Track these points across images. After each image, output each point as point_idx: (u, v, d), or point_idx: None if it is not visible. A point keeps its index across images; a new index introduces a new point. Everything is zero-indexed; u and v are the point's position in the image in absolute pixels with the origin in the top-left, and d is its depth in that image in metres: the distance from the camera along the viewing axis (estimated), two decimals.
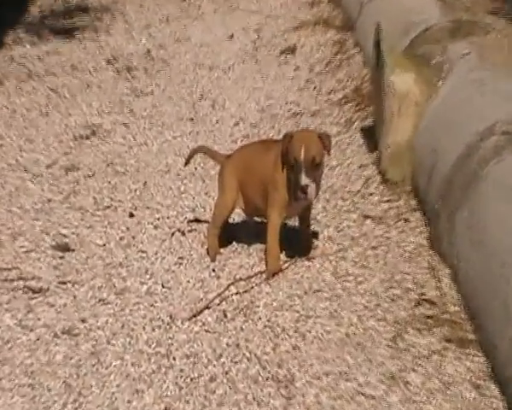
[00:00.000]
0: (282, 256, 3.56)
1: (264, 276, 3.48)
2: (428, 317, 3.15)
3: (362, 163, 4.44)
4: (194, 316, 3.25)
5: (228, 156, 3.74)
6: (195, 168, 4.52)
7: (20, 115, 5.32)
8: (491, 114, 3.54)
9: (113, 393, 2.86)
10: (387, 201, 4.05)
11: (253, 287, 3.44)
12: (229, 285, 3.41)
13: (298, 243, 3.64)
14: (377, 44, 4.39)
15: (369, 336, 3.09)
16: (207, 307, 3.29)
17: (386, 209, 3.98)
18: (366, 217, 3.92)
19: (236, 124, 5.10)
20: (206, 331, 3.18)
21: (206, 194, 4.25)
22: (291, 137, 3.31)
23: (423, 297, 3.28)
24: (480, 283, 3.06)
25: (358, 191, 4.17)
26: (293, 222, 3.72)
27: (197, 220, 3.98)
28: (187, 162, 3.93)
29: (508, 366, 2.69)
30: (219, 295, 3.36)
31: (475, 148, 3.43)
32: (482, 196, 3.24)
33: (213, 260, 3.65)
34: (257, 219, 3.75)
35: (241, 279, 3.47)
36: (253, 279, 3.48)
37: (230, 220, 3.82)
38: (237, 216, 3.91)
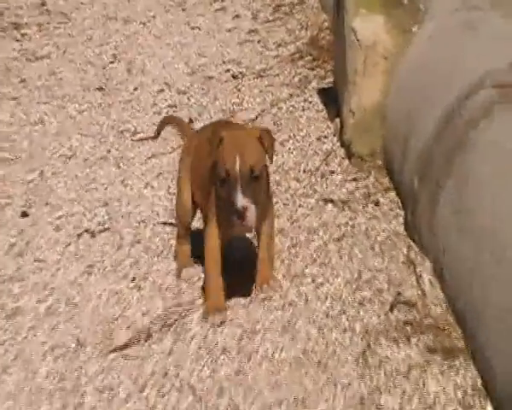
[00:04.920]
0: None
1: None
2: (406, 323, 3.19)
3: (320, 134, 4.49)
4: (116, 350, 3.23)
5: (196, 132, 3.68)
6: (108, 151, 4.53)
7: None
8: (479, 64, 3.58)
9: None
10: (353, 180, 4.10)
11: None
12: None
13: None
14: None
15: (332, 352, 3.10)
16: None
17: (351, 191, 4.03)
18: (327, 201, 3.96)
19: (160, 91, 5.14)
20: (125, 358, 3.18)
21: (121, 183, 4.28)
22: (221, 140, 3.13)
23: (400, 299, 3.32)
24: (469, 279, 3.10)
25: (317, 170, 4.21)
26: None
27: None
28: (158, 134, 3.89)
29: (506, 379, 2.76)
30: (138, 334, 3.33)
31: (460, 108, 3.48)
32: (471, 169, 3.28)
33: (178, 275, 3.62)
34: None
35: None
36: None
37: None
38: None
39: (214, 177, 3.20)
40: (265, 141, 3.14)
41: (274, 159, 3.24)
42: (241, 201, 3.01)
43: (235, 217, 3.04)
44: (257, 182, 3.08)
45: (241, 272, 3.51)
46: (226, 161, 3.05)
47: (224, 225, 3.24)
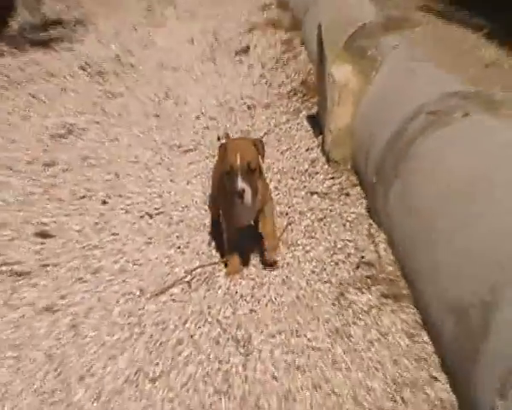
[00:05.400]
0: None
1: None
2: (367, 277, 3.18)
3: (308, 146, 4.44)
4: (162, 292, 3.23)
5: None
6: (162, 159, 4.50)
7: (2, 119, 5.23)
8: (418, 98, 3.55)
9: (90, 360, 2.85)
10: (331, 178, 4.05)
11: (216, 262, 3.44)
12: (193, 269, 3.35)
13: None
14: (320, 41, 4.39)
15: (316, 297, 3.10)
16: (172, 286, 3.27)
17: (330, 186, 3.98)
18: (313, 193, 3.92)
19: (197, 118, 5.07)
20: (173, 301, 3.17)
21: (171, 181, 4.22)
22: (226, 147, 3.09)
23: (363, 260, 3.29)
24: (411, 246, 3.09)
25: (306, 171, 4.16)
26: None
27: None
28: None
29: (435, 317, 2.74)
30: (181, 279, 3.31)
31: (404, 129, 3.44)
32: (411, 172, 3.25)
33: (210, 244, 3.57)
34: None
35: (201, 266, 3.37)
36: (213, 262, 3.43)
37: None
38: None
39: (223, 180, 3.13)
40: (258, 146, 3.09)
41: (265, 159, 3.16)
42: (240, 185, 2.96)
43: (236, 197, 2.98)
44: (252, 174, 3.03)
45: (252, 245, 3.46)
46: (230, 159, 3.00)
47: (232, 218, 3.22)
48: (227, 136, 3.60)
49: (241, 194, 2.97)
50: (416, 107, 3.46)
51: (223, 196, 3.21)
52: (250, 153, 3.04)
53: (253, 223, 3.35)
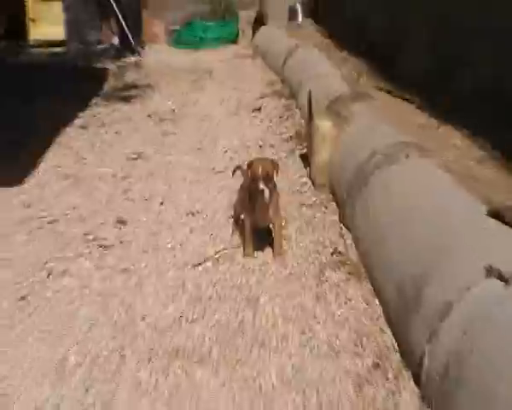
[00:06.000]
0: None
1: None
2: (339, 261, 3.14)
3: (300, 174, 4.40)
4: (199, 264, 3.19)
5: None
6: (201, 177, 4.46)
7: (96, 146, 5.22)
8: (375, 144, 3.54)
9: (149, 306, 2.82)
10: (315, 196, 4.02)
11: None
12: (220, 250, 3.31)
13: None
14: (309, 104, 4.39)
15: (303, 273, 3.06)
16: (205, 261, 3.23)
17: (314, 200, 3.95)
18: (302, 205, 3.88)
19: (225, 151, 5.04)
20: (206, 271, 3.13)
21: (207, 192, 4.19)
22: (252, 162, 3.09)
23: (336, 251, 3.26)
24: (369, 243, 3.07)
25: (298, 190, 4.12)
26: None
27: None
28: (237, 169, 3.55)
29: (383, 289, 2.71)
30: (212, 256, 3.26)
31: (365, 164, 3.43)
32: (370, 193, 3.24)
33: (231, 234, 3.49)
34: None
35: (226, 249, 3.34)
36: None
37: None
38: None
39: (250, 187, 3.09)
40: (274, 164, 3.11)
41: (279, 173, 3.15)
42: (261, 185, 2.98)
43: (259, 194, 2.99)
44: (270, 181, 3.03)
45: (262, 238, 3.38)
46: (254, 169, 3.01)
47: (253, 216, 3.16)
48: (239, 166, 3.56)
49: (262, 192, 2.99)
50: (373, 150, 3.46)
51: (248, 199, 3.17)
52: (268, 167, 3.05)
53: (270, 226, 3.29)
